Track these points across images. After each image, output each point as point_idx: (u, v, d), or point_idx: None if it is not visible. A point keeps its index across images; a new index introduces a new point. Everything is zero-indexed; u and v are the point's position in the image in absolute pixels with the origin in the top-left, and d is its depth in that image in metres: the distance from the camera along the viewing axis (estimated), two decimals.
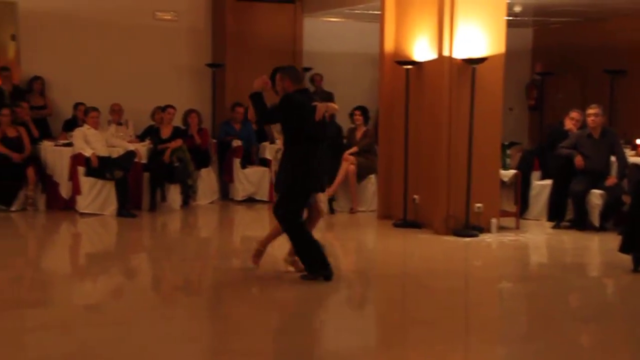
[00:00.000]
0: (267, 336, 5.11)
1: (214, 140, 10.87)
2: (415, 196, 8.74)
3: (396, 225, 8.77)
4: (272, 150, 10.66)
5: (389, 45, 9.13)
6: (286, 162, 6.19)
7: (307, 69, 12.07)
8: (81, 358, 4.48)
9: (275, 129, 6.68)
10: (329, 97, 11.59)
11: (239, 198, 10.47)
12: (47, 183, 9.54)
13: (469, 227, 8.19)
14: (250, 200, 10.50)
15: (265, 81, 6.24)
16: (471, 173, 8.17)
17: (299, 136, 6.14)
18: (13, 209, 9.24)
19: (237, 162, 10.56)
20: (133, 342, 4.76)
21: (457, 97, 8.17)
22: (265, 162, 10.68)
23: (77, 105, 10.44)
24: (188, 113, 10.38)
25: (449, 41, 8.11)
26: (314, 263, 6.20)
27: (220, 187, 10.73)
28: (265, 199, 10.40)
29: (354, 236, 8.92)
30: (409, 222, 8.73)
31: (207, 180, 10.40)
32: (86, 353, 4.55)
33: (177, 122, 10.24)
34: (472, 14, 8.10)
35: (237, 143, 10.62)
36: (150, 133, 10.29)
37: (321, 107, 6.18)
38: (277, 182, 6.46)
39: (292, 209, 6.18)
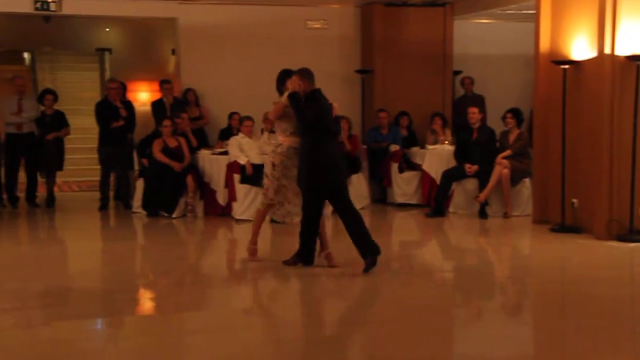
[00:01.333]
0: (421, 342, 5.01)
1: (364, 146, 10.92)
2: (574, 200, 8.36)
3: (553, 230, 8.42)
4: (421, 154, 10.60)
5: (544, 45, 8.82)
6: (309, 158, 6.58)
7: (457, 72, 11.88)
8: (243, 357, 4.57)
9: (280, 128, 6.86)
10: (480, 100, 11.37)
11: (398, 201, 10.57)
12: (205, 190, 9.92)
13: (634, 232, 7.72)
14: (404, 205, 10.51)
15: (300, 83, 6.70)
16: (635, 174, 7.70)
17: (321, 131, 6.63)
18: (174, 215, 9.67)
19: (394, 166, 10.61)
20: (293, 345, 4.82)
21: (620, 96, 7.75)
22: (414, 166, 10.65)
23: (231, 115, 10.81)
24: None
25: (611, 37, 7.71)
26: (307, 253, 6.85)
27: (372, 192, 10.79)
28: (418, 202, 10.45)
29: (509, 241, 8.65)
30: (567, 226, 8.37)
31: (357, 185, 10.44)
32: (249, 355, 4.65)
33: None
34: (636, 7, 7.65)
35: (394, 148, 10.67)
36: None
37: (336, 106, 6.89)
38: (301, 178, 6.69)
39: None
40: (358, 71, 11.66)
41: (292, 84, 6.69)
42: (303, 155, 6.64)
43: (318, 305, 6.14)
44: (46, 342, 4.87)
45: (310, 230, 6.80)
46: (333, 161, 6.70)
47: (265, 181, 6.98)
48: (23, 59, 15.54)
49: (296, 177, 6.70)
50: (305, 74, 6.77)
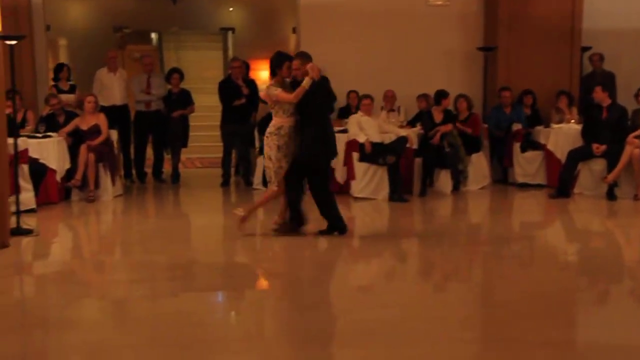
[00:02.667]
0: (547, 325, 4.84)
1: (485, 125, 10.68)
2: None
3: None
4: (545, 134, 10.25)
5: None
6: (316, 132, 6.98)
7: (586, 49, 11.38)
8: (360, 336, 4.57)
9: (282, 109, 6.97)
10: (610, 78, 10.86)
11: (520, 182, 10.35)
12: None
13: None
14: (526, 185, 10.27)
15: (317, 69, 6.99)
16: None
17: (320, 113, 7.11)
18: None
19: (516, 146, 10.35)
20: (410, 325, 4.78)
21: None
22: (537, 146, 10.33)
23: (349, 93, 10.81)
24: (457, 98, 10.30)
25: None
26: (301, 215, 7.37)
27: (492, 172, 10.57)
28: (542, 182, 10.17)
29: (639, 224, 8.24)
30: None
31: (478, 165, 10.25)
32: (364, 332, 4.64)
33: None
34: None
35: (517, 127, 10.40)
36: (421, 118, 10.35)
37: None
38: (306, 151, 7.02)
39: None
40: (480, 48, 11.36)
41: (315, 70, 6.96)
42: (309, 130, 6.96)
43: (437, 285, 6.07)
44: (172, 313, 5.04)
45: (300, 195, 7.34)
46: (334, 137, 7.29)
47: (268, 164, 7.07)
48: (150, 39, 16.11)
49: (291, 155, 6.98)
50: (306, 57, 7.14)
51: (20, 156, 7.76)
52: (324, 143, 7.10)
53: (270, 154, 6.98)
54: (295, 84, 7.01)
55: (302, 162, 7.05)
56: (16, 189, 7.50)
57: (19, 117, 9.30)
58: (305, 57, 7.11)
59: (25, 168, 8.22)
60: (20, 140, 7.87)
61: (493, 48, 11.23)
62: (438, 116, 9.95)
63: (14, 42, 7.18)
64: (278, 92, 6.90)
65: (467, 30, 11.58)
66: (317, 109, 7.08)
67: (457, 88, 10.73)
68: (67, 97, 10.32)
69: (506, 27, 11.19)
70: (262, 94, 7.02)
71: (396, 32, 11.36)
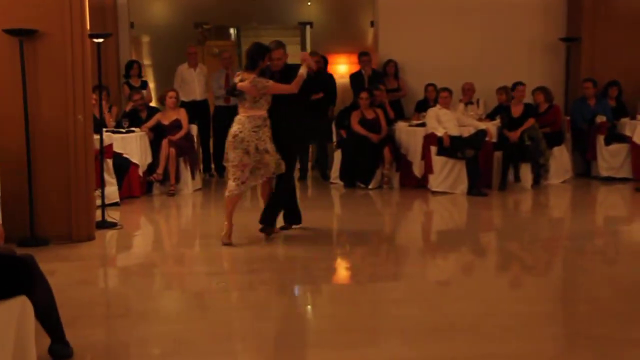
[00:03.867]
0: (632, 323, 4.66)
1: (567, 118, 10.40)
2: None
3: None
4: (631, 126, 9.92)
5: None
6: (297, 124, 6.91)
7: None
8: (446, 329, 4.55)
9: (265, 100, 6.67)
10: None
11: (603, 175, 10.13)
12: (402, 162, 9.92)
13: None
14: (610, 179, 10.03)
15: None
16: None
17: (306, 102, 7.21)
18: (370, 186, 9.77)
19: (600, 138, 10.06)
20: (491, 320, 4.71)
21: None
22: (623, 139, 10.00)
23: (427, 87, 10.71)
24: (534, 91, 10.07)
25: None
26: (296, 213, 7.38)
27: (575, 166, 10.31)
28: (627, 176, 9.91)
29: None
30: None
31: (559, 158, 10.00)
32: (450, 325, 4.63)
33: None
34: None
35: (601, 119, 10.11)
36: (500, 111, 10.17)
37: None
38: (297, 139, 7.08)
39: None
40: (563, 39, 11.07)
41: (309, 58, 7.00)
42: (297, 117, 6.91)
43: (517, 280, 5.95)
44: (251, 306, 5.10)
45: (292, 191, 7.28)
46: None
47: (268, 159, 6.68)
48: (229, 35, 16.30)
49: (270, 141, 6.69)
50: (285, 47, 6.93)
51: (105, 151, 7.98)
52: (310, 130, 7.19)
53: (267, 147, 6.63)
54: (280, 75, 6.74)
55: (298, 151, 7.14)
56: (102, 183, 7.72)
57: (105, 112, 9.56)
58: (285, 47, 6.90)
59: (109, 163, 8.46)
60: (105, 136, 8.09)
61: (577, 38, 10.93)
62: (516, 111, 9.73)
63: (101, 40, 7.39)
64: (271, 83, 6.60)
65: (549, 20, 11.31)
66: (307, 97, 7.12)
67: (538, 80, 10.50)
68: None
69: (591, 16, 10.88)
70: (245, 85, 6.50)
71: (475, 24, 11.18)
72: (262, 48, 6.70)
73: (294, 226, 7.40)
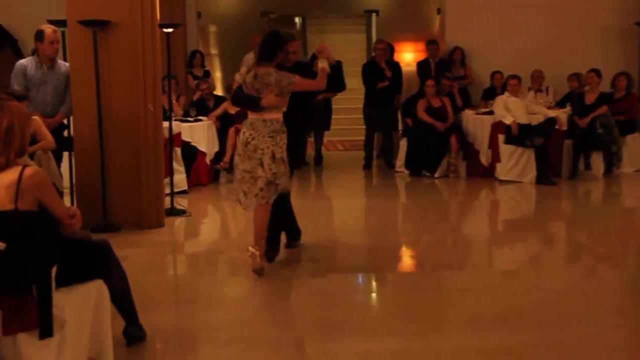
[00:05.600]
0: None
1: None
2: None
3: None
4: None
5: None
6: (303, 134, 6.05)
7: None
8: (512, 319, 4.52)
9: (284, 104, 5.44)
10: None
11: None
12: (468, 151, 9.81)
13: None
14: None
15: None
16: None
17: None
18: (436, 175, 9.70)
19: None
20: (559, 310, 4.66)
21: None
22: None
23: (494, 74, 10.55)
24: (617, 76, 9.81)
25: None
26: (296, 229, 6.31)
27: None
28: None
29: None
30: None
31: (633, 146, 9.74)
32: (517, 314, 4.59)
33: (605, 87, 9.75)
34: None
35: None
36: (571, 99, 9.95)
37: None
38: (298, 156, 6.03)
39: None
40: (638, 23, 10.73)
41: (328, 50, 5.64)
42: (299, 131, 5.82)
43: (587, 270, 5.83)
44: (315, 293, 5.13)
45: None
46: None
47: (280, 169, 5.42)
48: (294, 24, 16.36)
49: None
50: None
51: (173, 140, 8.12)
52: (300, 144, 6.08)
53: (284, 156, 5.45)
54: (294, 69, 5.56)
55: (295, 165, 5.92)
56: (171, 171, 7.87)
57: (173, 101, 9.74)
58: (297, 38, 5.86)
59: (178, 151, 8.60)
60: (174, 124, 8.23)
61: None
62: (590, 98, 9.50)
63: (170, 30, 7.52)
64: (297, 78, 5.37)
65: (623, 3, 10.98)
66: (311, 97, 6.04)
67: (612, 67, 10.21)
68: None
69: None
70: (270, 81, 5.28)
71: (544, 9, 10.94)
72: (282, 37, 5.52)
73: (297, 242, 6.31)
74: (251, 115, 5.44)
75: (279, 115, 5.40)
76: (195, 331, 4.44)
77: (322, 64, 5.52)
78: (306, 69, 5.71)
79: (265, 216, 5.48)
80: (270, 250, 5.78)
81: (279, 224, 5.91)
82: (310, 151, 11.60)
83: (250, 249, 5.39)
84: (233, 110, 9.83)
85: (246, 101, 5.44)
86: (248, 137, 5.40)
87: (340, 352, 4.04)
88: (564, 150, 9.41)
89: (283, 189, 5.56)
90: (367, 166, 10.80)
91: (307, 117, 6.13)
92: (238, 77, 5.57)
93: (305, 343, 4.20)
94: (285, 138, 5.45)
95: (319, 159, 11.27)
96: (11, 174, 3.29)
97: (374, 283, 5.58)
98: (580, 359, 3.94)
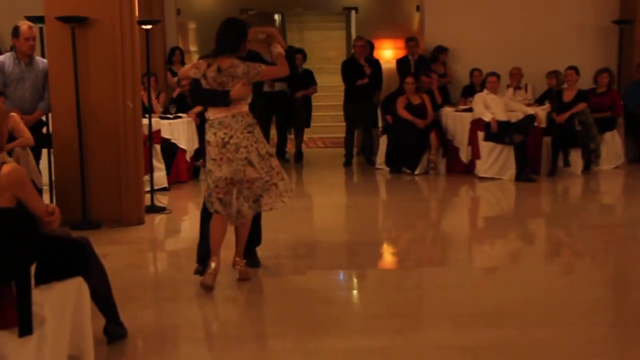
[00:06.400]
0: None
1: (621, 103, 10.21)
2: None
3: None
4: None
5: None
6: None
7: None
8: (492, 315, 4.54)
9: (248, 96, 5.04)
10: None
11: None
12: (448, 148, 9.85)
13: None
14: None
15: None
16: None
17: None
18: (416, 172, 9.73)
19: None
20: (540, 307, 4.69)
21: None
22: None
23: (473, 71, 10.60)
24: (600, 72, 9.91)
25: None
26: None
27: (627, 151, 10.11)
28: None
29: None
30: None
31: (611, 143, 9.84)
32: (497, 311, 4.60)
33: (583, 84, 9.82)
34: None
35: None
36: (549, 96, 10.02)
37: None
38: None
39: None
40: (616, 21, 10.83)
41: (278, 35, 5.26)
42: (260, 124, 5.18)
43: (566, 267, 5.87)
44: (296, 290, 5.13)
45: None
46: None
47: (257, 173, 4.97)
48: (274, 21, 16.33)
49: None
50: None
51: (153, 137, 8.07)
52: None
53: (269, 150, 5.10)
54: (249, 58, 5.09)
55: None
56: (150, 169, 7.82)
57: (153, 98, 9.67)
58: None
59: (158, 148, 8.56)
60: (154, 121, 8.19)
61: (630, 21, 10.68)
62: (568, 95, 9.56)
63: (149, 27, 7.47)
64: (264, 67, 5.01)
65: (600, 2, 11.07)
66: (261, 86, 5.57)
67: (590, 64, 10.30)
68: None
69: None
70: (237, 73, 4.88)
71: (523, 6, 11.01)
72: (244, 26, 5.04)
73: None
74: (217, 114, 4.92)
75: (245, 108, 4.95)
76: (175, 329, 4.42)
77: (278, 49, 5.09)
78: (259, 57, 5.26)
79: (249, 227, 5.18)
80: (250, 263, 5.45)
81: (257, 231, 5.54)
82: (290, 148, 11.62)
83: (237, 263, 5.21)
84: None
85: (212, 97, 4.94)
86: (224, 137, 4.87)
87: (322, 349, 4.03)
88: (543, 147, 9.48)
89: (285, 190, 5.09)
90: (348, 163, 10.81)
91: (262, 108, 5.59)
92: (193, 71, 4.99)
93: (285, 340, 4.19)
94: (260, 131, 5.02)
95: (299, 156, 11.27)
96: None
97: (354, 280, 5.59)
98: (559, 355, 3.96)
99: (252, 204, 5.05)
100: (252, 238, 5.40)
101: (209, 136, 4.93)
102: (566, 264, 5.99)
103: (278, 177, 5.06)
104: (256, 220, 5.42)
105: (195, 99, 5.32)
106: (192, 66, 5.05)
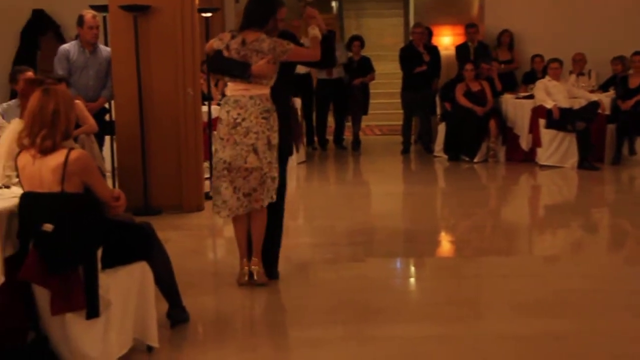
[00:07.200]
0: None
1: None
2: None
3: None
4: None
5: None
6: (293, 116, 5.04)
7: None
8: (553, 305, 4.47)
9: (271, 77, 4.66)
10: None
11: None
12: (508, 135, 9.71)
13: None
14: None
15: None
16: None
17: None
18: (475, 160, 9.62)
19: None
20: (602, 296, 4.62)
21: None
22: None
23: (534, 57, 10.40)
24: None
25: None
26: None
27: None
28: None
29: None
30: None
31: None
32: (558, 300, 4.53)
33: None
34: None
35: None
36: (614, 83, 9.77)
37: None
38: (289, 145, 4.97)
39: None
40: None
41: (319, 17, 4.84)
42: (286, 114, 4.89)
43: (630, 257, 5.74)
44: (354, 277, 5.13)
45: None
46: None
47: (262, 164, 4.63)
48: (331, 8, 16.31)
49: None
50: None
51: (212, 124, 8.15)
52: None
53: (276, 144, 4.69)
54: (282, 37, 4.75)
55: (285, 159, 4.94)
56: (210, 155, 7.89)
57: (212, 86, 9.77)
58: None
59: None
60: (213, 109, 8.27)
61: None
62: (634, 82, 9.31)
63: (209, 15, 7.54)
64: (292, 46, 4.67)
65: None
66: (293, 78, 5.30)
67: None
68: None
69: None
70: (262, 48, 4.57)
71: None
72: (274, 1, 4.72)
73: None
74: (234, 91, 4.63)
75: (266, 91, 4.62)
76: (235, 314, 4.48)
77: (314, 31, 4.73)
78: (295, 39, 4.89)
79: (264, 224, 4.76)
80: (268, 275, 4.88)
81: (275, 238, 4.97)
82: (348, 135, 11.61)
83: (255, 263, 4.78)
84: None
85: (231, 66, 4.59)
86: (236, 118, 4.58)
87: (379, 337, 4.03)
88: (607, 134, 9.26)
89: (274, 187, 4.71)
90: (405, 151, 10.74)
91: (293, 95, 5.26)
92: (217, 43, 4.69)
93: (344, 327, 4.20)
94: (277, 120, 4.67)
95: (356, 143, 11.25)
96: (58, 157, 3.33)
97: (412, 268, 5.57)
98: (621, 346, 3.89)
99: (243, 197, 4.67)
100: (268, 242, 4.88)
101: (222, 114, 4.68)
102: (630, 255, 5.86)
103: (275, 171, 4.70)
104: (274, 221, 4.91)
105: (212, 66, 4.89)
106: (217, 38, 4.76)
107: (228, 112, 4.63)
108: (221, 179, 4.68)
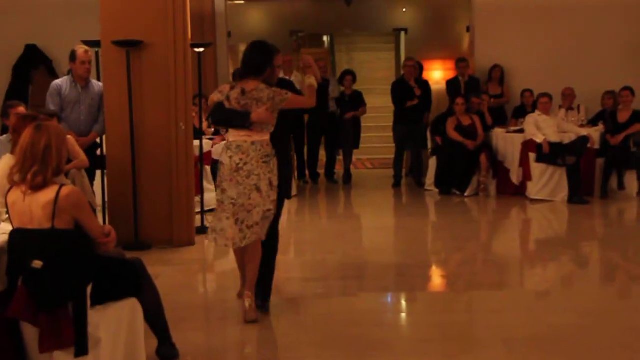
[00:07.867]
0: None
1: None
2: None
3: None
4: None
5: None
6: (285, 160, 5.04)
7: None
8: (546, 340, 4.46)
9: (271, 123, 4.87)
10: None
11: None
12: (499, 169, 9.75)
13: None
14: None
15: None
16: None
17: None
18: (466, 194, 9.64)
19: None
20: (594, 331, 4.61)
21: None
22: None
23: (524, 92, 10.49)
24: None
25: None
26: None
27: None
28: None
29: None
30: None
31: None
32: (551, 335, 4.53)
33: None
34: None
35: None
36: (603, 117, 9.85)
37: None
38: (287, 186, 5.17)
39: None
40: None
41: (314, 64, 5.07)
42: (286, 157, 5.12)
43: (620, 291, 5.74)
44: (345, 312, 5.11)
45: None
46: None
47: (263, 202, 4.81)
48: (323, 42, 16.45)
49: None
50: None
51: (204, 158, 8.16)
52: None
53: (268, 190, 4.82)
54: (280, 86, 4.95)
55: (284, 195, 5.10)
56: (201, 190, 7.90)
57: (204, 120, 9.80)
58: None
59: (208, 169, 8.65)
60: (204, 143, 8.29)
61: None
62: (623, 116, 9.39)
63: (202, 50, 7.59)
64: (290, 95, 4.85)
65: None
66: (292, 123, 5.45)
67: None
68: None
69: None
70: (262, 97, 4.75)
71: (575, 27, 10.88)
72: (270, 49, 4.86)
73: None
74: (236, 137, 4.81)
75: (267, 137, 4.81)
76: (225, 350, 4.44)
77: (310, 80, 4.93)
78: (291, 86, 5.16)
79: (258, 259, 4.91)
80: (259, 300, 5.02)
81: (270, 268, 5.12)
82: (339, 169, 11.64)
83: (248, 296, 4.86)
84: None
85: (232, 117, 4.78)
86: (239, 163, 4.77)
87: None
88: (596, 169, 9.32)
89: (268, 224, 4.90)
90: (397, 184, 10.77)
91: (292, 140, 5.45)
92: (217, 96, 4.87)
93: None
94: (277, 164, 4.86)
95: (348, 177, 11.27)
96: (48, 193, 3.33)
97: (404, 303, 5.55)
98: None
99: (245, 228, 4.79)
100: (262, 276, 5.02)
101: (224, 158, 4.84)
102: (622, 289, 5.87)
103: (275, 209, 4.89)
104: (268, 257, 5.06)
105: (215, 118, 5.00)
106: (217, 91, 4.95)
107: (231, 157, 4.81)
108: (225, 212, 4.84)
